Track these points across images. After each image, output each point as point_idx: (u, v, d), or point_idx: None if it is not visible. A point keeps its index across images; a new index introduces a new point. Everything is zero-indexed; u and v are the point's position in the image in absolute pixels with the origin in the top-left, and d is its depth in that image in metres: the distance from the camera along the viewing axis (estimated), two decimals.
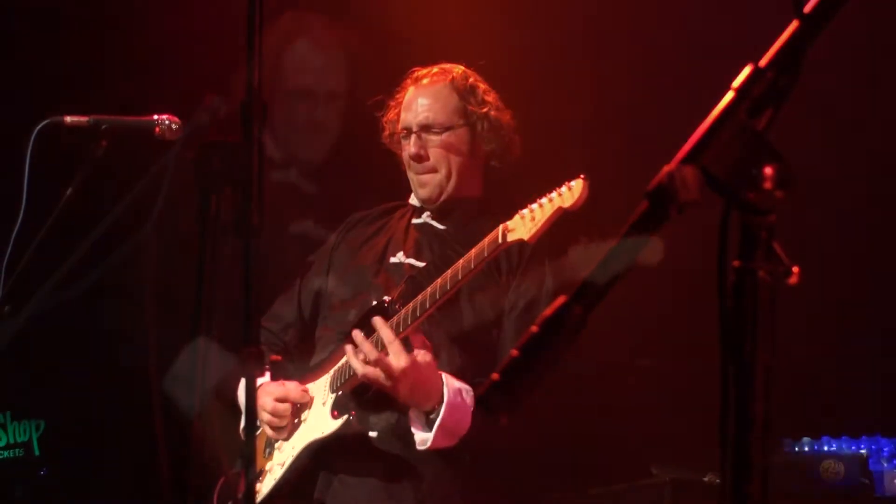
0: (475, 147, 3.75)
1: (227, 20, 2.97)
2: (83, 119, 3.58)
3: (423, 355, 3.44)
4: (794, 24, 1.56)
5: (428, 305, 3.44)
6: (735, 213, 1.52)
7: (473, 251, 3.40)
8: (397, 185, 3.91)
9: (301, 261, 4.05)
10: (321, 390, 3.68)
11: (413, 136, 3.75)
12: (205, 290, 2.28)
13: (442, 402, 3.42)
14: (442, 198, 3.75)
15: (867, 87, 4.54)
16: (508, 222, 3.36)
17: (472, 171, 3.77)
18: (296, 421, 3.70)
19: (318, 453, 3.64)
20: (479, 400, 3.07)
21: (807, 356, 4.31)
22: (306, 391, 3.70)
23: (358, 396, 3.60)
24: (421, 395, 3.44)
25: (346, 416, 3.58)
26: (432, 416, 3.44)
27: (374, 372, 3.44)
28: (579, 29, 4.71)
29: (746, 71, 1.55)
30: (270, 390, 3.69)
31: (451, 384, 3.46)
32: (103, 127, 3.58)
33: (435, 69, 3.80)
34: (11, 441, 4.37)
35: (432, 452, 3.49)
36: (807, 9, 1.56)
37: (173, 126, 3.56)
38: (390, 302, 3.56)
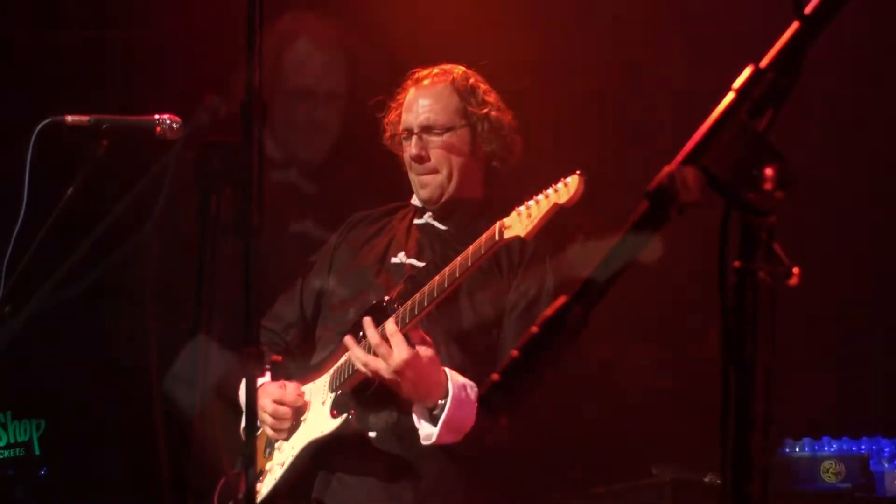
0: (476, 148, 3.75)
1: (227, 20, 2.97)
2: (84, 118, 3.58)
3: (424, 350, 3.44)
4: (794, 25, 1.56)
5: (426, 303, 3.44)
6: (736, 214, 1.52)
7: (471, 248, 3.40)
8: (398, 185, 3.91)
9: (301, 261, 4.05)
10: (321, 390, 3.68)
11: (414, 137, 3.75)
12: (205, 290, 2.28)
13: (446, 397, 3.42)
14: (443, 198, 3.75)
15: (868, 87, 4.54)
16: (505, 219, 3.36)
17: (474, 171, 3.76)
18: (296, 422, 3.71)
19: (317, 453, 3.64)
20: (480, 400, 3.08)
21: (807, 356, 4.31)
22: (302, 395, 3.70)
23: (357, 395, 3.60)
24: (424, 389, 3.43)
25: (345, 415, 3.58)
26: (436, 413, 3.44)
27: (376, 362, 3.44)
28: (580, 29, 4.71)
29: (747, 72, 1.55)
30: (269, 391, 3.69)
31: (455, 379, 3.46)
32: (104, 126, 3.58)
33: (436, 70, 3.80)
34: (12, 440, 4.37)
35: (432, 452, 3.48)
36: (807, 9, 1.56)
37: (174, 126, 3.56)
38: (389, 301, 3.57)
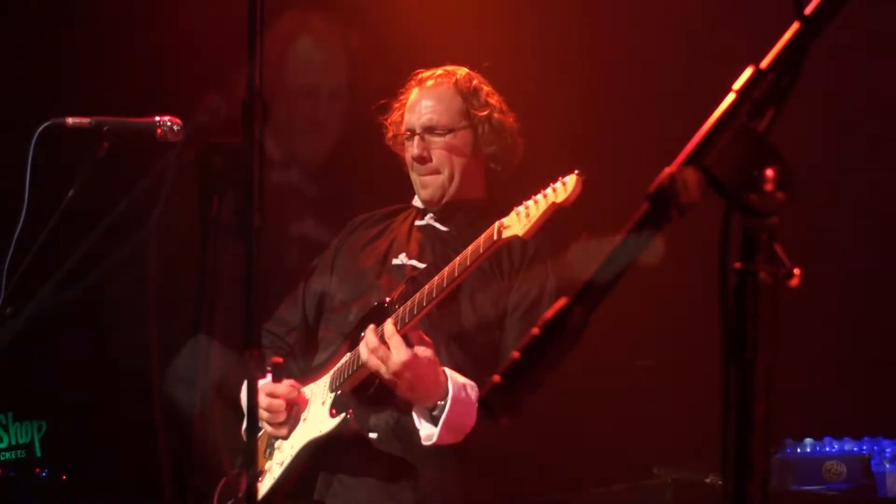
0: (477, 149, 3.75)
1: (227, 20, 2.97)
2: (85, 120, 3.59)
3: (423, 351, 3.45)
4: (794, 26, 1.56)
5: (426, 303, 3.44)
6: (736, 215, 1.52)
7: (470, 248, 3.41)
8: (398, 186, 3.91)
9: (302, 261, 4.06)
10: (321, 390, 3.68)
11: (416, 138, 3.75)
12: (206, 290, 2.28)
13: (445, 397, 3.42)
14: (444, 199, 3.76)
15: (868, 87, 4.54)
16: (504, 219, 3.36)
17: (475, 172, 3.77)
18: (294, 419, 3.71)
19: (317, 453, 3.64)
20: (481, 402, 3.08)
21: (808, 356, 4.31)
22: (295, 387, 3.70)
23: (357, 395, 3.60)
24: (423, 390, 3.44)
25: (343, 415, 3.58)
26: (435, 413, 3.44)
27: (375, 362, 3.44)
28: (581, 30, 4.71)
29: (747, 72, 1.55)
30: (262, 386, 3.69)
31: (455, 380, 3.46)
32: (105, 128, 3.58)
33: (439, 71, 3.81)
34: (13, 442, 4.37)
35: (432, 453, 3.49)
36: (807, 10, 1.56)
37: (175, 127, 3.56)
38: (390, 302, 3.57)
